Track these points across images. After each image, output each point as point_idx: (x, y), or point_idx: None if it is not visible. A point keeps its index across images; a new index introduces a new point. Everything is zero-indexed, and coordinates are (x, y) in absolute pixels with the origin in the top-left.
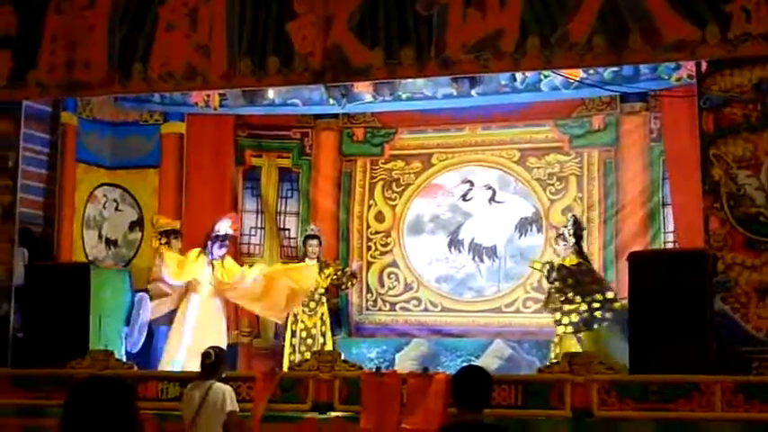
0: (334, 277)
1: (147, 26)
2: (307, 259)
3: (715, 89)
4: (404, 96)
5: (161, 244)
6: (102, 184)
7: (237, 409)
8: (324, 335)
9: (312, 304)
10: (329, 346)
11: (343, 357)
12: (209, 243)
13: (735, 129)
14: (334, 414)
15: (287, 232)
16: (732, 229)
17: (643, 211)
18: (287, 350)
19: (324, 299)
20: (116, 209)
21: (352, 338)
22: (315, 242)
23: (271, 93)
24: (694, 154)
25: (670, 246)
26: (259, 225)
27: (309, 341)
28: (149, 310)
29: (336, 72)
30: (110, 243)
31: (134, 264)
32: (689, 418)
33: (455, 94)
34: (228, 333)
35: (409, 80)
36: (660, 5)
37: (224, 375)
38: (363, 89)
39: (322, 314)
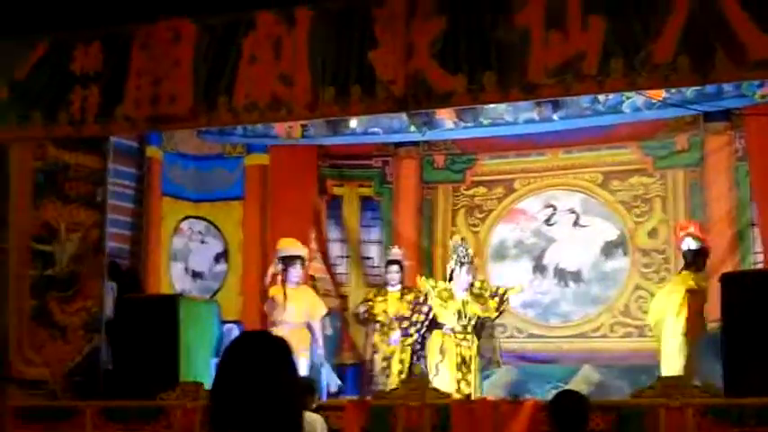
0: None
1: (231, 58)
2: (388, 286)
3: None
4: (485, 122)
5: (280, 270)
6: (188, 217)
7: None
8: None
9: (385, 329)
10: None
11: (432, 385)
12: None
13: None
14: None
15: (370, 261)
16: None
17: (731, 231)
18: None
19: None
20: (201, 241)
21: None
22: (395, 267)
23: (353, 122)
24: None
25: (759, 266)
26: (344, 254)
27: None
28: None
29: (419, 99)
30: (196, 275)
31: (220, 295)
32: None
33: (537, 118)
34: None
35: (491, 106)
36: (745, 22)
37: (314, 405)
38: (445, 116)
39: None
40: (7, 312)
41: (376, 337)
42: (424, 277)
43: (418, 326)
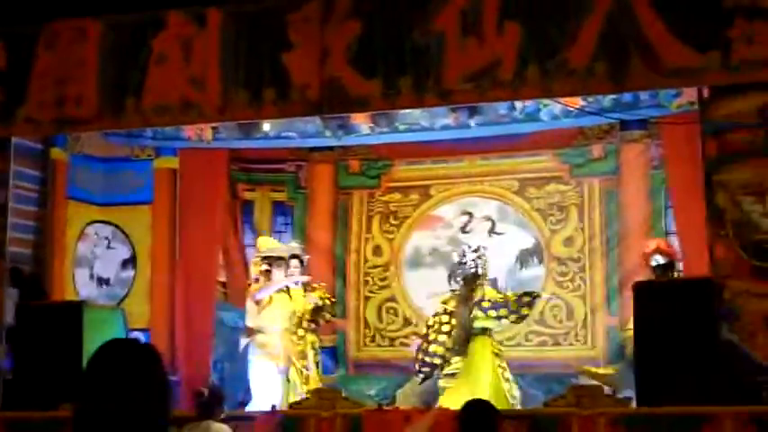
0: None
1: (139, 59)
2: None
3: (718, 115)
4: (401, 127)
5: (262, 271)
6: (94, 222)
7: None
8: (318, 364)
9: (301, 331)
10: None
11: (343, 395)
12: None
13: (739, 155)
14: None
15: None
16: (738, 257)
17: (644, 237)
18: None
19: (311, 325)
20: (108, 246)
21: (351, 375)
22: (295, 262)
23: (266, 125)
24: (697, 181)
25: (674, 274)
26: None
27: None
28: None
29: (334, 103)
30: (102, 281)
31: (127, 302)
32: None
33: (453, 124)
34: None
35: (407, 111)
36: (661, 31)
37: (222, 415)
38: (360, 120)
39: (312, 342)
40: None
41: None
42: None
43: None
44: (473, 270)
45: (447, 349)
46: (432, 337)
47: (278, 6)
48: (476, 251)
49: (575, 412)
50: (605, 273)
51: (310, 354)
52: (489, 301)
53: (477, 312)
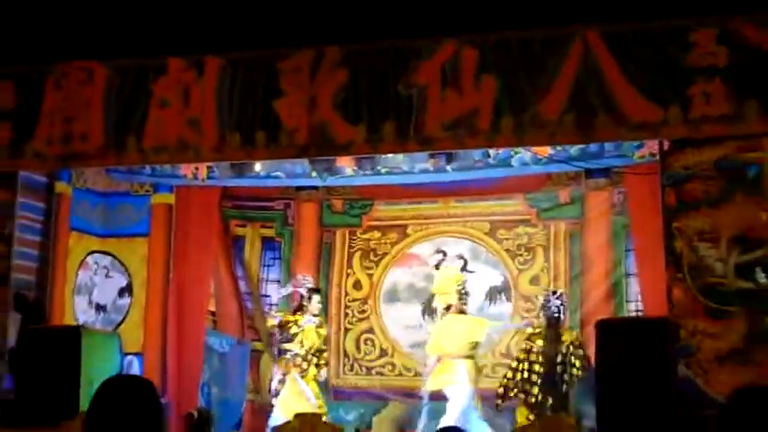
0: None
1: (141, 102)
2: (305, 318)
3: (677, 166)
4: (382, 170)
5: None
6: (94, 252)
7: None
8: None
9: (305, 365)
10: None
11: (324, 419)
12: None
13: (696, 204)
14: None
15: (268, 299)
16: (694, 299)
17: (608, 281)
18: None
19: (315, 360)
20: (106, 275)
21: (331, 402)
22: (317, 297)
23: (257, 166)
24: (656, 227)
25: (633, 314)
26: (248, 291)
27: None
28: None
29: (320, 147)
30: (99, 308)
31: (122, 328)
32: None
33: (431, 168)
34: None
35: (388, 155)
36: (626, 88)
37: None
38: (344, 163)
39: (314, 375)
40: None
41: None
42: None
43: None
44: (556, 314)
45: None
46: (523, 367)
47: (270, 55)
48: (558, 297)
49: None
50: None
51: (313, 385)
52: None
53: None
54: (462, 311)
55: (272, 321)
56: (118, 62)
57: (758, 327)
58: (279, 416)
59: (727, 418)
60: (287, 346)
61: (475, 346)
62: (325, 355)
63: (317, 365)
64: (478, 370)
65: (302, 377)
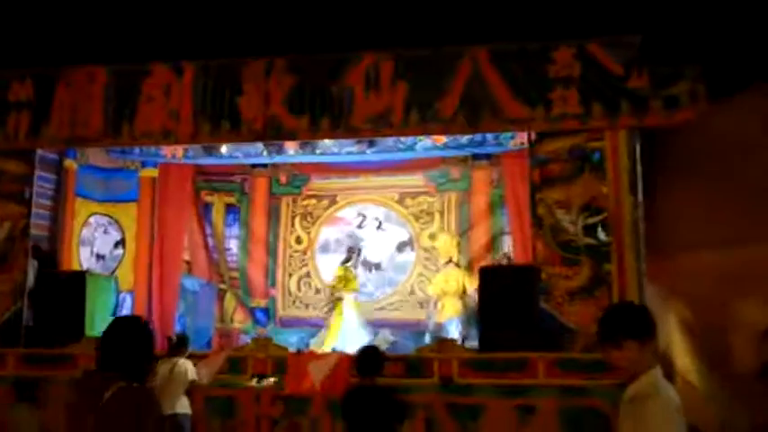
0: None
1: (132, 97)
2: None
3: (541, 152)
4: (318, 152)
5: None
6: (94, 213)
7: (197, 379)
8: None
9: None
10: None
11: (273, 342)
12: None
13: (554, 180)
14: (267, 381)
15: (230, 251)
16: (552, 251)
17: (487, 237)
18: None
19: None
20: (104, 232)
21: (278, 328)
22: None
23: (223, 148)
24: (524, 197)
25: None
26: (214, 245)
27: None
28: (129, 308)
29: (272, 134)
30: (99, 257)
31: (117, 273)
32: (521, 384)
33: (355, 151)
34: None
35: (324, 140)
36: (503, 92)
37: (186, 354)
38: (290, 146)
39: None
40: None
41: None
42: None
43: None
44: None
45: None
46: None
47: (234, 63)
48: None
49: (437, 356)
50: (458, 260)
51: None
52: None
53: None
54: (457, 264)
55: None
56: (114, 66)
57: (599, 272)
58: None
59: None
60: None
61: (465, 289)
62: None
63: None
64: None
65: None
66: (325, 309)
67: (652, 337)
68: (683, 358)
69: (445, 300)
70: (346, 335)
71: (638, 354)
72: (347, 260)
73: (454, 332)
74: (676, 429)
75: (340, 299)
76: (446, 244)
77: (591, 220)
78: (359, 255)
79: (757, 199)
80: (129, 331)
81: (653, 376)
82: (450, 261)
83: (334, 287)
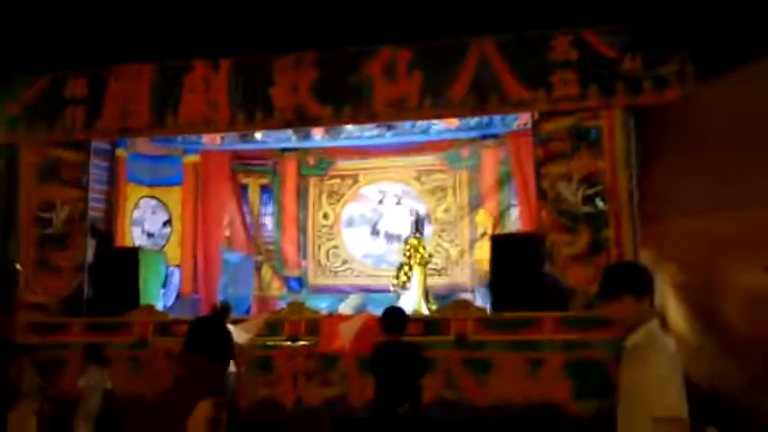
0: None
1: (175, 91)
2: None
3: (543, 131)
4: (342, 136)
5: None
6: (144, 197)
7: (240, 341)
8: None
9: None
10: None
11: (306, 306)
12: None
13: (556, 156)
14: (301, 342)
15: (264, 227)
16: (555, 220)
17: (497, 210)
18: None
19: None
20: (153, 213)
21: (311, 295)
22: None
23: (257, 134)
24: (529, 172)
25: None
26: (251, 222)
27: None
28: (177, 281)
29: (300, 121)
30: (150, 235)
31: (166, 249)
32: (530, 339)
33: (375, 134)
34: None
35: (347, 126)
36: (508, 77)
37: (229, 319)
38: (316, 132)
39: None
40: (19, 260)
41: None
42: None
43: None
44: None
45: None
46: None
47: (266, 58)
48: None
49: (454, 316)
50: (469, 230)
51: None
52: None
53: None
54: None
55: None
56: (159, 64)
57: (597, 238)
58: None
59: None
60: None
61: None
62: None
63: None
64: None
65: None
66: (395, 281)
67: (649, 292)
68: (676, 316)
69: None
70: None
71: (636, 306)
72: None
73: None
74: (675, 374)
75: (411, 267)
76: (483, 218)
77: (589, 192)
78: (422, 225)
79: (741, 170)
80: (214, 326)
81: (651, 328)
82: (486, 233)
83: (410, 257)
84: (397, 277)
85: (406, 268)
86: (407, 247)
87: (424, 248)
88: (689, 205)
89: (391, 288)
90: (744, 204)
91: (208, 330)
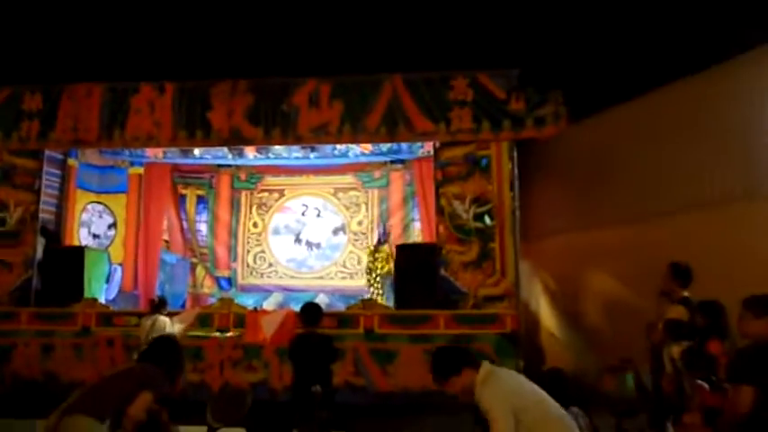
0: None
1: (123, 109)
2: None
3: (443, 157)
4: (271, 156)
5: None
6: (92, 202)
7: (173, 331)
8: None
9: None
10: None
11: (235, 302)
12: None
13: (452, 179)
14: (228, 334)
15: (200, 232)
16: (450, 233)
17: (403, 222)
18: None
19: None
20: (99, 216)
21: (239, 293)
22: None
23: (196, 151)
24: (430, 192)
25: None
26: (187, 228)
27: None
28: (119, 277)
29: (235, 141)
30: (95, 236)
31: (110, 249)
32: (426, 333)
33: (300, 155)
34: None
35: (276, 146)
36: (414, 111)
37: (165, 312)
38: (249, 151)
39: None
40: None
41: None
42: None
43: None
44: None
45: None
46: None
47: (205, 84)
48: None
49: (363, 313)
50: (378, 239)
51: None
52: None
53: None
54: None
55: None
56: (109, 84)
57: (485, 249)
58: None
59: None
60: None
61: None
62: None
63: None
64: None
65: None
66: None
67: (475, 361)
68: (548, 318)
69: None
70: None
71: (471, 377)
72: (295, 241)
73: None
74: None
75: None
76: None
77: (480, 210)
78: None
79: (597, 194)
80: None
81: (480, 380)
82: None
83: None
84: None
85: (374, 274)
86: (380, 254)
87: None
88: (558, 223)
89: (371, 290)
90: (599, 221)
91: (161, 346)
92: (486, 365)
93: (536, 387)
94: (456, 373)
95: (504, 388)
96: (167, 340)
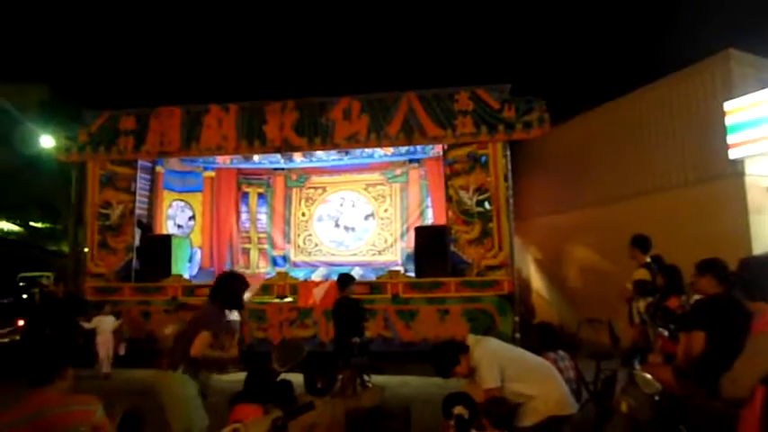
0: None
1: (198, 126)
2: None
3: (450, 156)
4: (314, 159)
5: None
6: (175, 200)
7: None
8: None
9: None
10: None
11: (290, 275)
12: None
13: (458, 173)
14: (286, 299)
15: (259, 222)
16: (457, 216)
17: (419, 209)
18: None
19: None
20: (182, 211)
21: (291, 268)
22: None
23: (255, 157)
24: (441, 185)
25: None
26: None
27: None
28: (198, 258)
29: (285, 148)
30: (179, 226)
31: (191, 236)
32: (440, 296)
33: (337, 158)
34: None
35: (318, 152)
36: (427, 121)
37: None
38: (297, 156)
39: None
40: (87, 242)
41: None
42: None
43: None
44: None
45: None
46: None
47: (261, 104)
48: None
49: (389, 280)
50: (401, 223)
51: None
52: None
53: None
54: None
55: None
56: (186, 106)
57: (485, 228)
58: None
59: None
60: None
61: None
62: None
63: None
64: None
65: None
66: None
67: (465, 348)
68: (537, 281)
69: None
70: None
71: (467, 358)
72: (335, 226)
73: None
74: (492, 362)
75: None
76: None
77: (481, 197)
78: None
79: (574, 183)
80: (224, 281)
81: (471, 348)
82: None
83: None
84: None
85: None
86: None
87: None
88: (543, 207)
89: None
90: (576, 205)
91: (219, 283)
92: (471, 337)
93: (513, 346)
94: (455, 363)
95: (488, 349)
96: (218, 277)
